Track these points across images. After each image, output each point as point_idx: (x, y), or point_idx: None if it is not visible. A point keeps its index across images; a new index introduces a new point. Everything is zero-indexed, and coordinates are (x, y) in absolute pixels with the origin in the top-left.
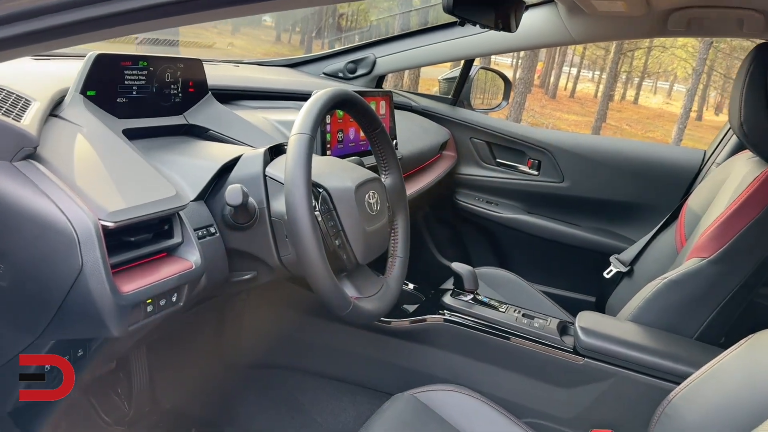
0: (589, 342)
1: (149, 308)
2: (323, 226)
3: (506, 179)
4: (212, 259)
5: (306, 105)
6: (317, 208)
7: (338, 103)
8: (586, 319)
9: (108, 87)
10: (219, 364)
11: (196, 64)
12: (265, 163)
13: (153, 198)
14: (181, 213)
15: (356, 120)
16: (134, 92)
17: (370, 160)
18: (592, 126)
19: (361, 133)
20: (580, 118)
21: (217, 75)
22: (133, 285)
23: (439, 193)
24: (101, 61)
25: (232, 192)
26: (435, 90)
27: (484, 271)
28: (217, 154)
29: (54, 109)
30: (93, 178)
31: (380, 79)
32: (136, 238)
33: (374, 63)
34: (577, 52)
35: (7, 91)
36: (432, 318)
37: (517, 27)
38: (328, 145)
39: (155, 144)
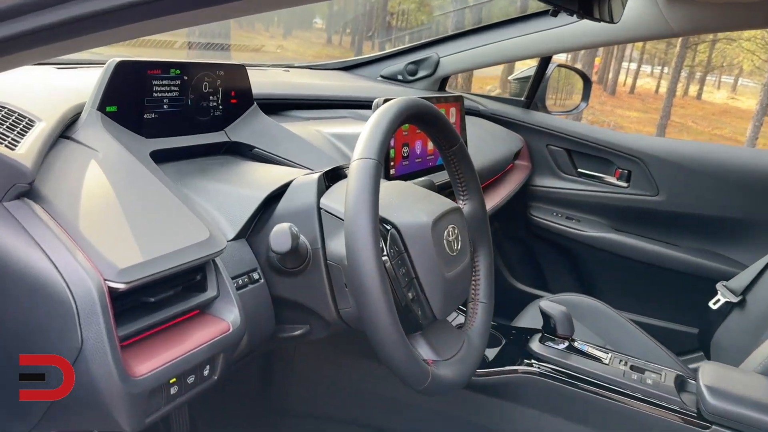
0: (718, 405)
1: (173, 389)
2: (393, 274)
3: (589, 192)
4: (255, 313)
5: (371, 121)
6: (385, 251)
7: (411, 116)
8: (710, 373)
9: (133, 101)
10: (267, 413)
11: (239, 71)
12: (320, 193)
13: (180, 244)
14: (217, 259)
15: (430, 135)
16: (165, 106)
17: (438, 176)
18: (657, 124)
19: (429, 146)
20: (642, 114)
21: (264, 82)
22: (150, 363)
23: (510, 207)
24: (124, 69)
25: (279, 235)
26: (489, 89)
27: (564, 299)
28: (262, 179)
29: (66, 130)
30: (104, 220)
31: (443, 81)
32: (157, 298)
33: (437, 63)
34: (637, 48)
35: (8, 109)
36: (519, 369)
37: (620, 17)
38: (392, 163)
39: (190, 168)
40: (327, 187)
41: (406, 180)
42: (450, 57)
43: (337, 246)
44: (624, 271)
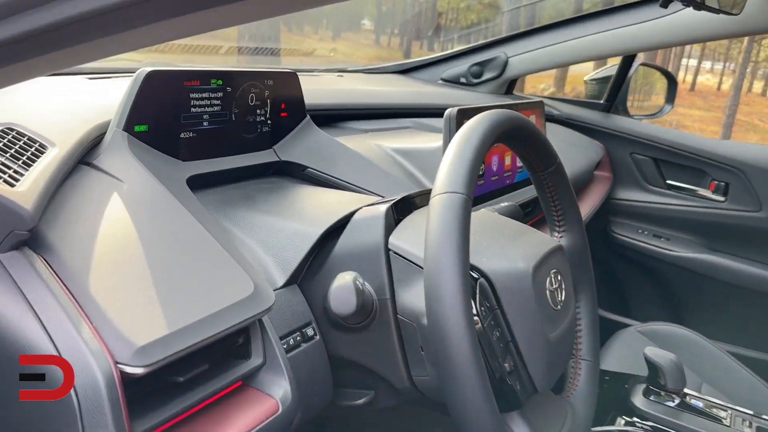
0: None
1: None
2: (485, 338)
3: (680, 206)
4: (309, 380)
5: (455, 143)
6: (474, 309)
7: (503, 135)
8: None
9: (166, 118)
10: None
11: (290, 79)
12: (388, 229)
13: (218, 304)
14: (264, 318)
15: (522, 154)
16: (205, 123)
17: (516, 196)
18: (723, 122)
19: (507, 161)
20: (704, 113)
21: (316, 90)
22: None
23: (589, 223)
24: (155, 81)
25: (341, 292)
26: (542, 88)
27: (653, 328)
28: (318, 209)
29: (87, 154)
30: (122, 277)
31: (511, 84)
32: (188, 377)
33: (505, 64)
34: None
35: (17, 132)
36: (620, 430)
37: (742, 8)
38: None
39: (233, 195)
40: (396, 221)
41: (481, 203)
42: (520, 57)
43: (410, 298)
44: (720, 296)
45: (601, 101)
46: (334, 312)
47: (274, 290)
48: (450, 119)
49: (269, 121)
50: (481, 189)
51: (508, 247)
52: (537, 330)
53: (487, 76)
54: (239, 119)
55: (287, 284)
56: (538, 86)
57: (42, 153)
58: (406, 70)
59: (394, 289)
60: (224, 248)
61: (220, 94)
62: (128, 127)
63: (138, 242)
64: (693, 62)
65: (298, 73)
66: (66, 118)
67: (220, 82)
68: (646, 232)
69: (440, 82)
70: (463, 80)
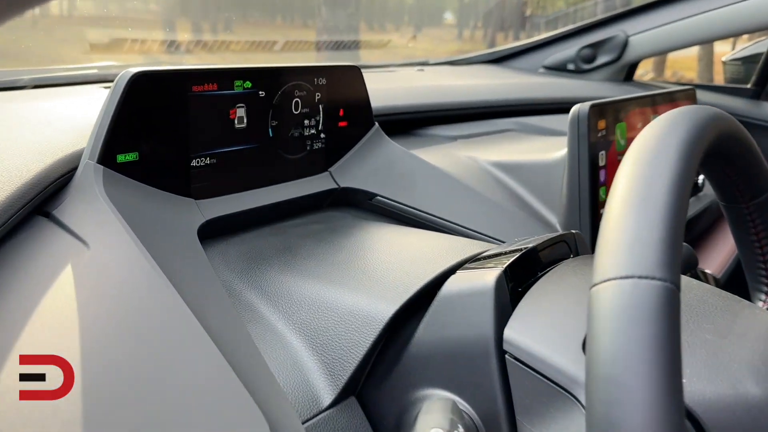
0: None
1: None
2: None
3: None
4: None
5: (636, 172)
6: None
7: (714, 150)
8: None
9: (167, 140)
10: None
11: (350, 76)
12: (501, 313)
13: None
14: None
15: (719, 178)
16: (228, 144)
17: None
18: None
19: None
20: None
21: (388, 90)
22: None
23: None
24: (146, 86)
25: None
26: (640, 74)
27: None
28: (387, 269)
29: (47, 202)
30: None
31: (630, 69)
32: None
33: (625, 44)
34: None
35: None
36: None
37: None
38: (602, 211)
39: (267, 246)
40: (514, 297)
41: None
42: (643, 35)
43: None
44: None
45: (748, 86)
46: None
47: (320, 412)
48: (579, 119)
49: (322, 135)
50: None
51: (718, 350)
52: None
53: (601, 60)
54: (279, 135)
55: (339, 399)
56: (678, 73)
57: None
58: (499, 59)
59: (517, 423)
60: (231, 359)
61: (249, 102)
62: (106, 158)
63: (93, 356)
64: None
65: (370, 70)
66: (21, 147)
67: (248, 84)
68: None
69: (542, 70)
70: (571, 67)
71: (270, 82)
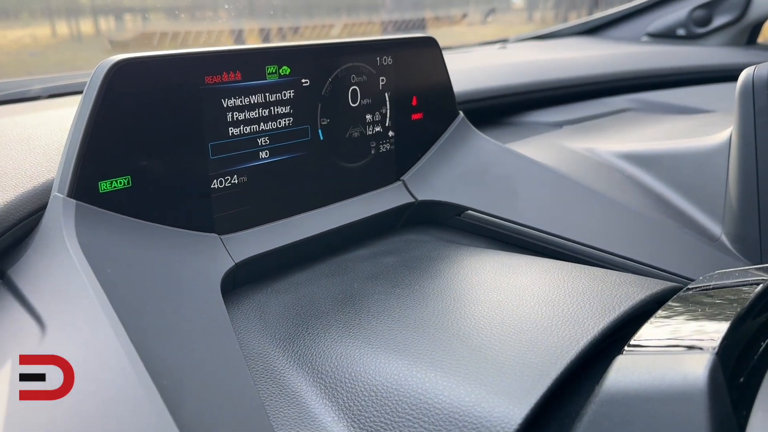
0: None
1: None
2: None
3: None
4: None
5: None
6: None
7: None
8: None
9: (172, 155)
10: None
11: (424, 51)
12: None
13: None
14: None
15: None
16: (263, 153)
17: None
18: None
19: None
20: None
21: (470, 70)
22: None
23: None
24: (135, 79)
25: None
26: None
27: None
28: (499, 332)
29: (6, 253)
30: None
31: (754, 31)
32: None
33: (748, 1)
34: None
35: None
36: None
37: None
38: None
39: (322, 294)
40: (735, 399)
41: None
42: None
43: None
44: None
45: None
46: None
47: None
48: (756, 88)
49: (391, 133)
50: None
51: None
52: None
53: (719, 21)
54: (333, 137)
55: None
56: None
57: None
58: (593, 29)
59: None
60: None
61: (288, 94)
62: (82, 188)
63: None
64: None
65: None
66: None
67: (286, 70)
68: None
69: (646, 39)
70: (681, 32)
71: (316, 66)
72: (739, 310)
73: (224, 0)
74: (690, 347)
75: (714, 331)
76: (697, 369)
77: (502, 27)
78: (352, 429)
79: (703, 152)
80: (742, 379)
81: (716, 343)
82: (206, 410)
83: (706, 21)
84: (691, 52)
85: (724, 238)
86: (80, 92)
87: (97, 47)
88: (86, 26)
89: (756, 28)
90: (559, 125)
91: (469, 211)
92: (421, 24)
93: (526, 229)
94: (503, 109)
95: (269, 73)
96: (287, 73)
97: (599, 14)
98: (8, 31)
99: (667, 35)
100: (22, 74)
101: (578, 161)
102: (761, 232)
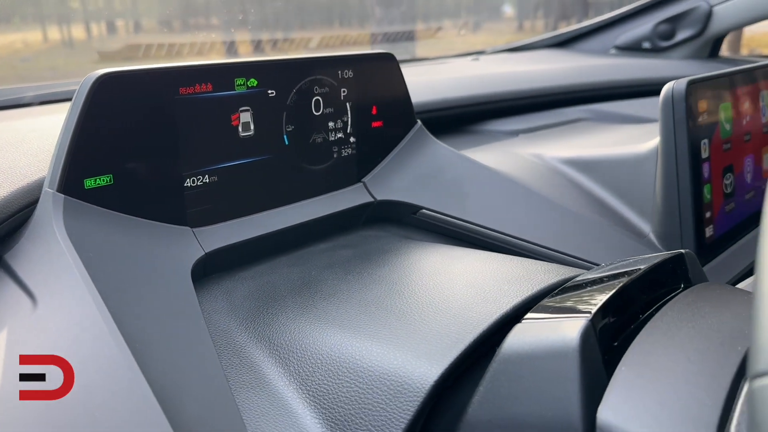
0: None
1: None
2: None
3: None
4: None
5: None
6: None
7: None
8: None
9: (151, 156)
10: None
11: (383, 65)
12: (591, 384)
13: None
14: None
15: None
16: (233, 157)
17: None
18: None
19: (765, 163)
20: None
21: (435, 81)
22: None
23: None
24: (117, 91)
25: None
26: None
27: None
28: (432, 311)
29: (5, 240)
30: None
31: (715, 45)
32: None
33: (708, 16)
34: None
35: None
36: None
37: None
38: (708, 213)
39: (284, 280)
40: (608, 359)
41: (733, 241)
42: (730, 3)
43: None
44: None
45: None
46: None
47: None
48: (674, 100)
49: (352, 139)
50: (732, 218)
51: None
52: None
53: (682, 35)
54: (298, 142)
55: None
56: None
57: None
58: (564, 42)
59: None
60: None
61: (256, 104)
62: (70, 184)
63: None
64: None
65: (415, 64)
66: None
67: (253, 82)
68: None
69: (614, 51)
70: (646, 45)
71: (281, 78)
72: (620, 285)
73: (212, 12)
74: (571, 315)
75: (595, 302)
76: (572, 331)
77: (492, 36)
78: (300, 391)
79: (636, 158)
80: (616, 343)
81: (593, 310)
82: (173, 373)
83: (669, 35)
84: (655, 64)
85: (652, 236)
86: (69, 99)
87: (88, 53)
88: (78, 32)
89: (717, 42)
90: (515, 134)
91: (424, 210)
92: (410, 35)
93: (474, 227)
94: (466, 117)
95: (238, 85)
96: (254, 84)
97: (570, 27)
98: (0, 36)
99: (633, 48)
100: (14, 79)
101: (525, 166)
102: (682, 229)
